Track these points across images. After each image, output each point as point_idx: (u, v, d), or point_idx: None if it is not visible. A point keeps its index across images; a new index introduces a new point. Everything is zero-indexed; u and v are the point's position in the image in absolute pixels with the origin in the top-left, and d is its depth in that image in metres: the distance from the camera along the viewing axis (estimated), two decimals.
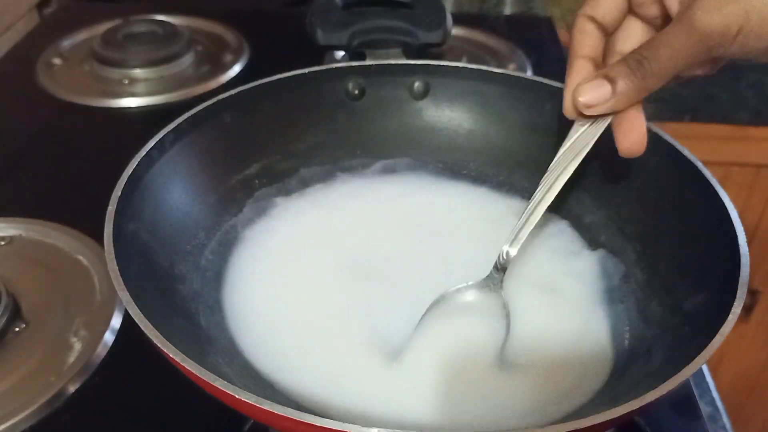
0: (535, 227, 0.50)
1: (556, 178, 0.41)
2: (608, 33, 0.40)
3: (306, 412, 0.28)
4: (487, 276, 0.43)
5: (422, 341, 0.40)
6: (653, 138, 0.46)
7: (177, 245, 0.44)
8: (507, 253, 0.42)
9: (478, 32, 0.89)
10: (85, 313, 0.50)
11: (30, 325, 0.49)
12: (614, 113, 0.38)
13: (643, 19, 0.39)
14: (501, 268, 0.42)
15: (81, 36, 0.89)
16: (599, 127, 0.40)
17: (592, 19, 0.39)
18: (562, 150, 0.41)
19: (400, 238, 0.49)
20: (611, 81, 0.36)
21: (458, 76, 0.55)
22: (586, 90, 0.37)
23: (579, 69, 0.39)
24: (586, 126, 0.40)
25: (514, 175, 0.54)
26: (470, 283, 0.43)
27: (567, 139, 0.41)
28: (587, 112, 0.38)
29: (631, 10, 0.40)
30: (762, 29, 0.32)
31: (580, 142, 0.40)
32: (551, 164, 0.41)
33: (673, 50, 0.34)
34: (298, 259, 0.48)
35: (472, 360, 0.40)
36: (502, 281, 0.42)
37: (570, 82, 0.39)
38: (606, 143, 0.49)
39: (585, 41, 0.39)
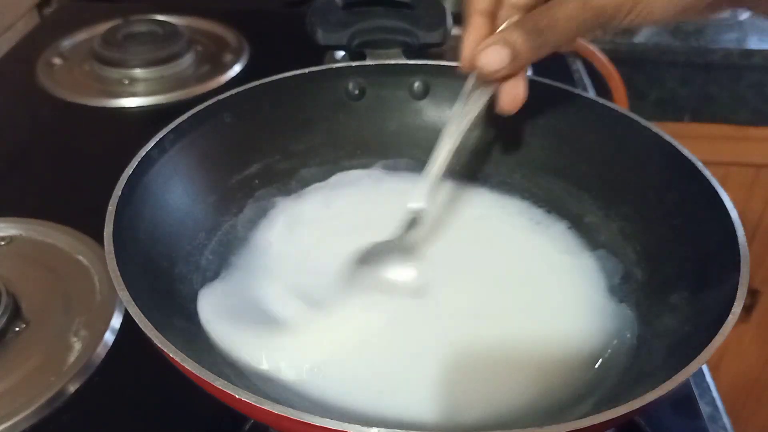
0: (535, 227, 0.50)
1: (453, 134, 0.44)
2: None
3: (306, 411, 0.28)
4: (397, 235, 0.45)
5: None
6: (653, 138, 0.46)
7: (177, 245, 0.44)
8: (416, 209, 0.45)
9: None
10: (85, 312, 0.50)
11: (30, 325, 0.49)
12: (510, 76, 0.40)
13: None
14: (411, 226, 0.45)
15: (81, 36, 0.89)
16: (492, 87, 0.42)
17: None
18: (458, 105, 0.43)
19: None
20: (510, 46, 0.38)
21: (458, 76, 0.55)
22: (486, 55, 0.38)
23: (476, 25, 0.41)
24: (480, 86, 0.42)
25: (514, 175, 0.54)
26: (382, 241, 0.45)
27: (463, 92, 0.43)
28: (488, 75, 0.40)
29: None
30: (653, 6, 0.35)
31: (474, 101, 0.43)
32: (447, 123, 0.44)
33: (568, 21, 0.36)
34: (298, 259, 0.47)
35: (474, 357, 0.40)
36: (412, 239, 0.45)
37: (467, 36, 0.41)
38: (606, 144, 0.49)
39: None
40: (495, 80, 0.40)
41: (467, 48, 0.41)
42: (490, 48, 0.38)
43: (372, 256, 0.45)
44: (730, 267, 0.36)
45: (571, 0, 0.36)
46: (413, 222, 0.44)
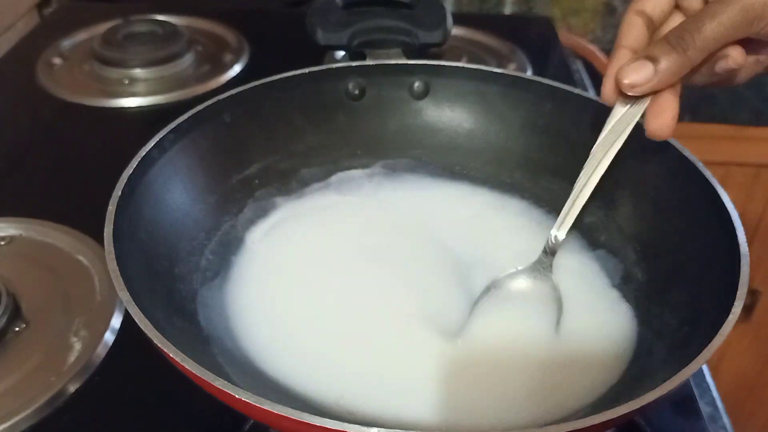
0: (535, 227, 0.50)
1: (600, 161, 0.42)
2: (655, 27, 0.41)
3: (306, 411, 0.28)
4: (536, 261, 0.44)
5: (480, 328, 0.42)
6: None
7: (177, 245, 0.45)
8: (555, 237, 0.43)
9: (478, 32, 0.89)
10: (85, 312, 0.50)
11: (30, 324, 0.49)
12: (656, 92, 0.39)
13: (687, 13, 0.41)
14: (550, 252, 0.44)
15: (81, 36, 0.89)
16: (639, 108, 0.40)
17: (641, 13, 0.41)
18: (603, 133, 0.42)
19: (399, 238, 0.49)
20: (653, 60, 0.37)
21: (458, 76, 0.55)
22: (629, 71, 0.37)
23: (620, 57, 0.40)
24: (625, 108, 0.41)
25: (515, 175, 0.54)
26: (520, 268, 0.44)
27: (607, 122, 0.42)
28: (631, 92, 0.38)
29: (677, 5, 0.41)
30: None
31: (620, 124, 0.41)
32: (593, 148, 0.42)
33: (715, 21, 0.35)
34: (298, 259, 0.47)
35: (473, 357, 0.40)
36: (551, 265, 0.44)
37: (611, 68, 0.40)
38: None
39: (630, 33, 0.41)
40: (639, 96, 0.39)
41: (609, 77, 0.40)
42: (631, 65, 0.37)
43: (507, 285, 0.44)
44: (731, 267, 0.36)
45: (715, 2, 0.35)
46: (551, 250, 0.44)
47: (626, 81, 0.38)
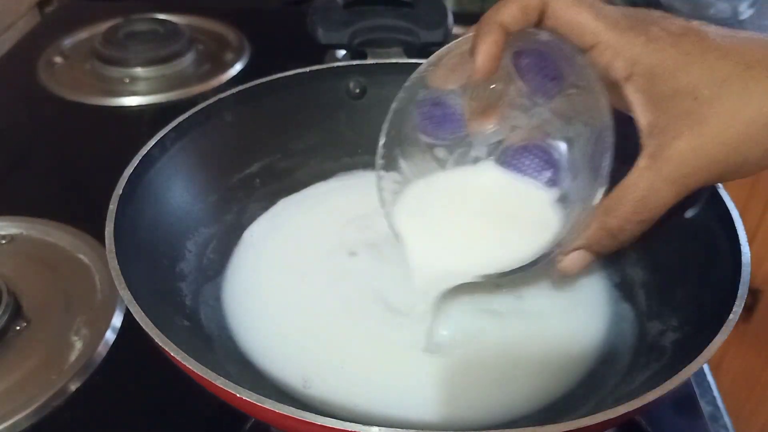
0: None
1: None
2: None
3: (307, 410, 0.28)
4: None
5: None
6: None
7: (178, 244, 0.45)
8: None
9: None
10: (86, 311, 0.50)
11: (31, 323, 0.49)
12: None
13: None
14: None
15: (82, 34, 0.89)
16: None
17: None
18: None
19: None
20: (593, 252, 0.38)
21: None
22: (572, 263, 0.39)
23: (495, 37, 0.37)
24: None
25: None
26: None
27: None
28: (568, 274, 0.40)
29: None
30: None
31: None
32: None
33: (655, 207, 0.36)
34: (299, 258, 0.48)
35: (474, 357, 0.40)
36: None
37: (483, 46, 0.37)
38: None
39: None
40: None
41: (484, 44, 0.36)
42: (573, 256, 0.38)
43: None
44: (731, 266, 0.36)
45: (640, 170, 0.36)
46: None
47: (568, 269, 0.39)
